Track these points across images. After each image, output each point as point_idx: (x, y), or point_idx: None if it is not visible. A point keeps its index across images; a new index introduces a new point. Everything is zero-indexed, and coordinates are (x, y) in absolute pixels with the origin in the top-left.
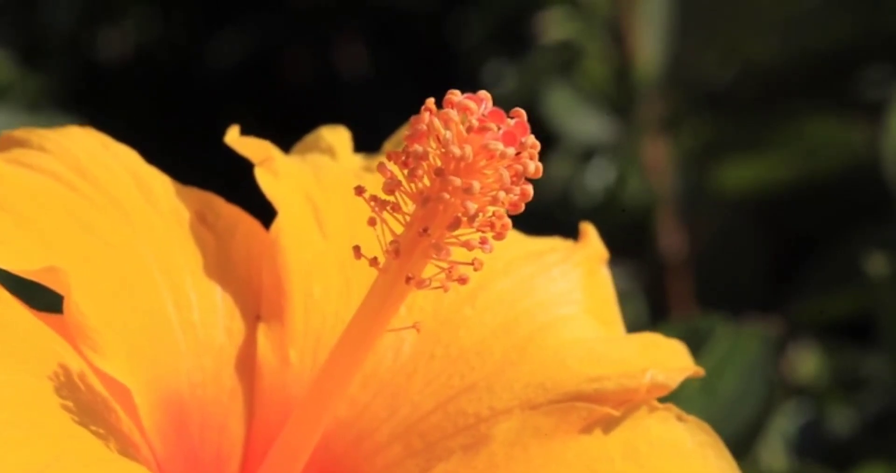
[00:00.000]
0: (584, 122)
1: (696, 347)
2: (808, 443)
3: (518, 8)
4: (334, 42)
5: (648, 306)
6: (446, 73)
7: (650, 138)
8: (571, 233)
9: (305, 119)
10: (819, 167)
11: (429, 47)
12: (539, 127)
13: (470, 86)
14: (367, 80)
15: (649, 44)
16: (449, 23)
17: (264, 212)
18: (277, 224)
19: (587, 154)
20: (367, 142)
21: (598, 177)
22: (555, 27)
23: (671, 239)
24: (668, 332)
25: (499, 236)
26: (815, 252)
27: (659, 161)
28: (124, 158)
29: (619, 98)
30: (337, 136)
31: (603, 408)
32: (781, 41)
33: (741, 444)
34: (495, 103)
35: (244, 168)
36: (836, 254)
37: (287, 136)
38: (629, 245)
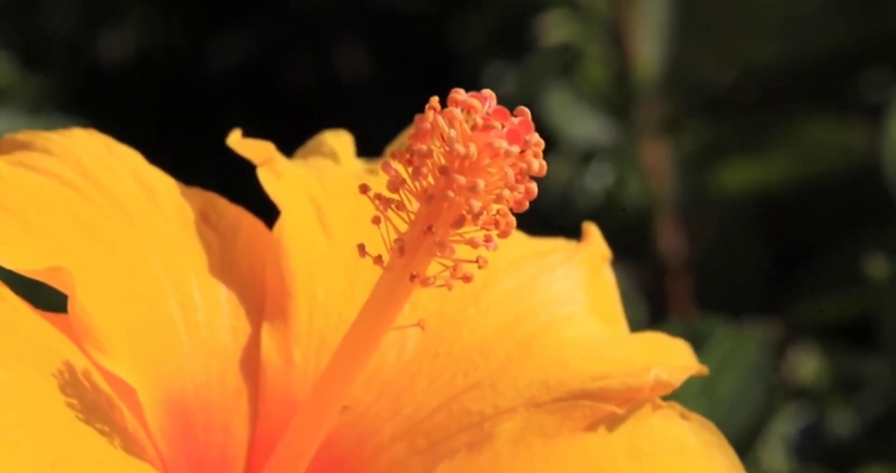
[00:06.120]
0: (583, 124)
1: (696, 349)
2: (809, 446)
3: (518, 10)
4: (334, 44)
5: (648, 308)
6: (446, 75)
7: (650, 140)
8: (571, 234)
9: (305, 121)
10: (819, 169)
11: (429, 50)
12: (539, 129)
13: (470, 89)
14: (366, 83)
15: (649, 46)
16: (449, 25)
17: (264, 216)
18: (281, 224)
19: (587, 156)
20: (366, 145)
21: (597, 179)
22: (554, 29)
23: (671, 241)
24: (668, 334)
25: (503, 234)
26: (815, 254)
27: (659, 163)
28: (127, 160)
29: (619, 100)
30: (339, 140)
31: (607, 407)
32: (781, 43)
33: (741, 446)
34: None
35: (244, 171)
36: (836, 257)
37: (287, 139)
38: (629, 247)
